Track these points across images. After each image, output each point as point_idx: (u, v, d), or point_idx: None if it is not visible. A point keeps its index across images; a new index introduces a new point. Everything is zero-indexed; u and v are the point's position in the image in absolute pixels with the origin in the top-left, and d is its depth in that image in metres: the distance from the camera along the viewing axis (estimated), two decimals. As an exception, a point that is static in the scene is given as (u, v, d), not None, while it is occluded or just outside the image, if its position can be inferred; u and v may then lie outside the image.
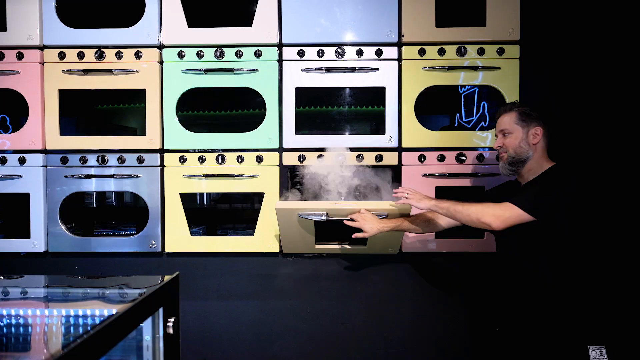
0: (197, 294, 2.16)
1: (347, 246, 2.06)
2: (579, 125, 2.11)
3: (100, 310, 1.04)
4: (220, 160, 2.10)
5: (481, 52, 2.07)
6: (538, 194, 1.56)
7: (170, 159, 2.12)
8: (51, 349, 1.01)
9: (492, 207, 1.57)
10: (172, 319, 1.11)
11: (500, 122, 1.73)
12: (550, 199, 1.54)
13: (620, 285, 2.02)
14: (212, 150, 2.13)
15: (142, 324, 1.08)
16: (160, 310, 1.09)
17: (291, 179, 2.19)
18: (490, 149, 2.09)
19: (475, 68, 2.07)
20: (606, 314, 1.58)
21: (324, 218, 1.81)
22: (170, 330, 1.10)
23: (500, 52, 2.07)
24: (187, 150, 2.13)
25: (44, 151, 2.14)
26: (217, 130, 2.13)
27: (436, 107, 2.29)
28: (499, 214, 1.54)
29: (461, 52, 2.07)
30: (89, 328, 0.82)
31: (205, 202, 2.38)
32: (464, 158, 2.07)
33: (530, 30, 2.09)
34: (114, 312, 0.90)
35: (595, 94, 2.11)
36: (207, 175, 2.10)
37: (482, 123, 2.14)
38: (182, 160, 2.11)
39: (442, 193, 2.06)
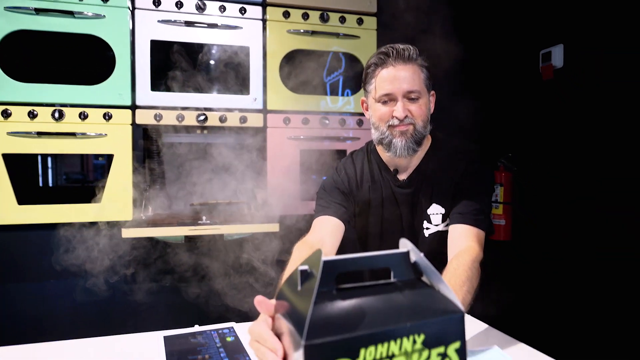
0: (32, 276, 1.84)
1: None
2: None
3: None
4: (57, 116, 1.80)
5: (342, 20, 2.14)
6: (484, 205, 1.20)
7: (-11, 112, 1.74)
8: None
9: (476, 247, 1.12)
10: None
11: (403, 75, 1.14)
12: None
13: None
14: (48, 104, 1.81)
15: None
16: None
17: (145, 141, 1.99)
18: (352, 114, 2.18)
19: (337, 35, 2.13)
20: None
21: (182, 241, 1.87)
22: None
23: (360, 22, 2.16)
24: (11, 103, 1.78)
25: None
26: (53, 82, 1.82)
27: (302, 72, 2.30)
28: (481, 247, 1.14)
29: (324, 19, 2.11)
30: None
31: (41, 165, 2.03)
32: (327, 122, 2.12)
33: (385, 3, 2.22)
34: None
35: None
36: (39, 133, 1.78)
37: (348, 91, 2.22)
38: (6, 114, 1.75)
39: (306, 156, 2.08)
